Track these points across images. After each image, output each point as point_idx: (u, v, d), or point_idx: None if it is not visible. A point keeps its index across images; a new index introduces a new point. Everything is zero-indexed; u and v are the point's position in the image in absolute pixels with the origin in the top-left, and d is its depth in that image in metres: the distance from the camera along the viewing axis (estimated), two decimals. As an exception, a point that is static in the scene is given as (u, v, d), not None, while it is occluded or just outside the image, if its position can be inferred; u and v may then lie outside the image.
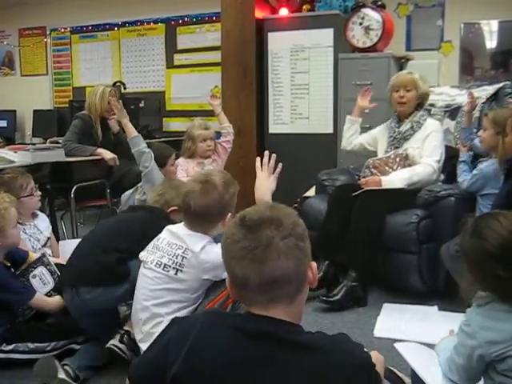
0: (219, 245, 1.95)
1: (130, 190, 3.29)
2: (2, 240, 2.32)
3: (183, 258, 1.98)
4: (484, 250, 1.44)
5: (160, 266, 2.01)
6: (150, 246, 2.11)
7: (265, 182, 1.97)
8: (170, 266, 1.99)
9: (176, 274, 1.98)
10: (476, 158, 3.17)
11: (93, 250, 2.27)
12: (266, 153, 2.00)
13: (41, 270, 2.42)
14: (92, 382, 2.17)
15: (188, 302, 1.98)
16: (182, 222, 2.10)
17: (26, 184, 2.75)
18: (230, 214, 2.03)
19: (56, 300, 2.34)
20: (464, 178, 2.96)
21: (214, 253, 1.93)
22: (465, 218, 1.56)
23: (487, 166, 2.88)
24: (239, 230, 1.14)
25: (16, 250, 2.44)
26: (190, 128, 3.53)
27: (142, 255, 2.10)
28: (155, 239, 2.12)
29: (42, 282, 2.41)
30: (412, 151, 3.21)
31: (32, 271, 2.42)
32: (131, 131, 3.14)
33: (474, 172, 2.92)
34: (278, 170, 2.00)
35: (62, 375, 2.03)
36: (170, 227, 2.11)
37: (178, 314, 1.87)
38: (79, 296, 2.18)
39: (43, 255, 2.52)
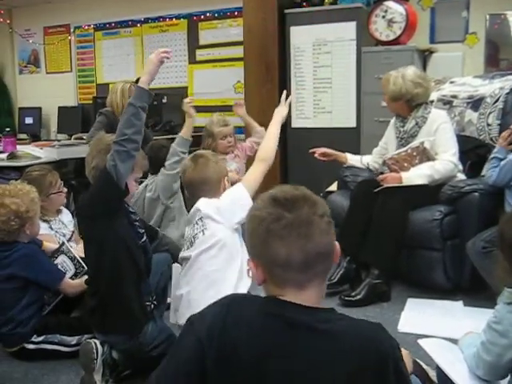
0: (227, 192, 2.13)
1: (140, 188, 3.28)
2: (32, 229, 2.39)
3: (201, 219, 2.06)
4: None
5: (197, 248, 2.05)
6: (185, 247, 2.15)
7: (282, 108, 2.56)
8: (198, 238, 2.05)
9: (203, 233, 2.04)
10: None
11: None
12: (284, 92, 2.64)
13: (62, 259, 2.51)
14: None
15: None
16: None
17: (54, 181, 2.84)
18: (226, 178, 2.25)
19: (79, 283, 2.40)
20: (492, 173, 2.84)
21: (226, 195, 2.12)
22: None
23: None
24: (276, 210, 1.12)
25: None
26: (208, 125, 3.50)
27: (181, 256, 2.14)
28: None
29: (63, 269, 2.49)
30: (428, 144, 3.13)
31: (54, 260, 2.50)
32: (186, 131, 3.30)
33: (502, 163, 2.80)
34: (289, 99, 2.60)
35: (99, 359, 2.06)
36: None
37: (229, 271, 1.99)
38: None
39: (62, 243, 2.59)
